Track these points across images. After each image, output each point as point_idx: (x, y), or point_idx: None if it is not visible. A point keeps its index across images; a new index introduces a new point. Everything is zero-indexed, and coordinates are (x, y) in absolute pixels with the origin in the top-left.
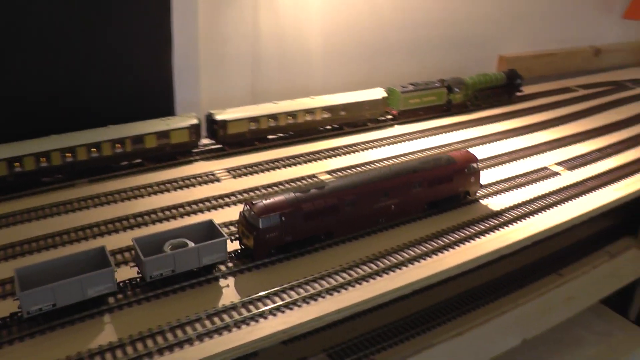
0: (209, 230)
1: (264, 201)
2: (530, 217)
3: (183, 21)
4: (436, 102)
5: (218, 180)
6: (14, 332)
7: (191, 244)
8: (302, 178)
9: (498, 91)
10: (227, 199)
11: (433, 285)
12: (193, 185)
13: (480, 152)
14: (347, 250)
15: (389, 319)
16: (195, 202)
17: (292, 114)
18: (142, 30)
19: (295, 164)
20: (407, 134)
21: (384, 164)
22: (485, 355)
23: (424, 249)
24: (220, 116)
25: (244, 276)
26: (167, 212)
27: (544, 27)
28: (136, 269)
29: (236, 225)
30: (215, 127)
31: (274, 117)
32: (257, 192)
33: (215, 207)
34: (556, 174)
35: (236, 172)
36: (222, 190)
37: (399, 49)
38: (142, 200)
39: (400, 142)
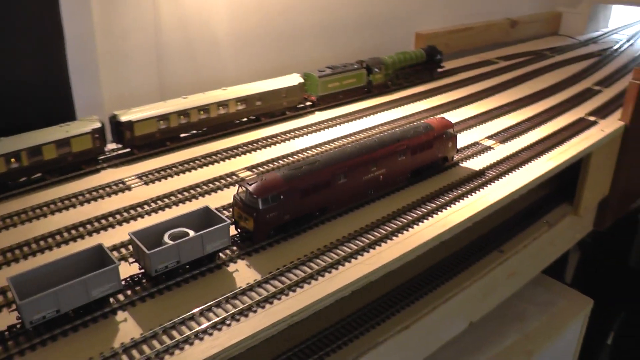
0: (206, 217)
1: (261, 181)
2: (469, 196)
3: (74, 11)
4: (356, 84)
5: (129, 188)
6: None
7: (192, 233)
8: (221, 177)
9: (419, 69)
10: (140, 209)
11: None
12: (102, 197)
13: None
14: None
15: (325, 324)
16: (105, 217)
17: (204, 109)
18: (24, 19)
19: (212, 163)
20: (329, 119)
21: (309, 154)
22: (433, 345)
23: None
24: (125, 117)
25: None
26: (74, 232)
27: (458, 1)
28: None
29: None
30: (121, 130)
31: (184, 113)
32: (173, 197)
33: (127, 220)
34: (489, 148)
35: (148, 178)
36: (134, 199)
37: (312, 32)
38: (45, 220)
39: (322, 129)
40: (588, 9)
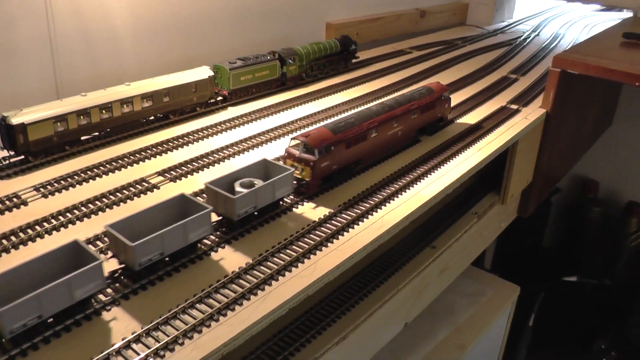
0: (265, 169)
1: (314, 134)
2: (402, 193)
3: None
4: (269, 76)
5: (25, 203)
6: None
7: (259, 182)
8: (131, 185)
9: (333, 59)
10: (39, 228)
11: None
12: None
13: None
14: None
15: (256, 343)
16: None
17: (106, 107)
18: None
19: (119, 168)
20: (244, 115)
21: (226, 154)
22: (371, 352)
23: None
24: (17, 119)
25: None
26: None
27: None
28: None
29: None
30: (12, 134)
31: (84, 112)
32: (77, 211)
33: (24, 242)
34: (416, 140)
35: (47, 189)
36: (31, 215)
37: (218, 21)
38: None
39: (237, 125)
40: (494, 0)
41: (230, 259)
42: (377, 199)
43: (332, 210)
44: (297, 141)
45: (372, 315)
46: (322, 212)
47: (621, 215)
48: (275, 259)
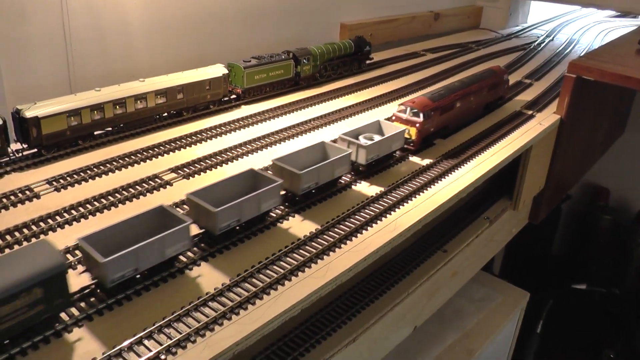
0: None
1: (418, 100)
2: (416, 196)
3: None
4: (283, 76)
5: (37, 196)
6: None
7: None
8: (143, 180)
9: (347, 60)
10: (51, 221)
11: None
12: (5, 207)
13: (344, 126)
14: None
15: (265, 343)
16: (10, 232)
17: (120, 103)
18: None
19: (131, 164)
20: (257, 114)
21: (239, 152)
22: (380, 355)
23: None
24: (31, 112)
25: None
26: None
27: None
28: None
29: None
30: (26, 127)
31: (98, 107)
32: (89, 206)
33: (36, 235)
34: (432, 143)
35: (59, 183)
36: (43, 209)
37: (233, 19)
38: None
39: (250, 124)
40: (508, 4)
41: (244, 257)
42: (390, 202)
43: (346, 212)
44: (404, 107)
45: (382, 318)
46: (335, 213)
47: (632, 224)
48: (288, 259)
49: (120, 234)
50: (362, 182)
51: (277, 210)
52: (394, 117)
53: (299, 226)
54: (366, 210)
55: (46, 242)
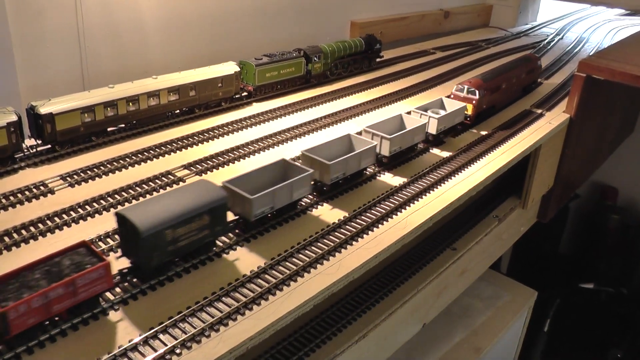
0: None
1: (473, 81)
2: (427, 193)
3: None
4: (294, 73)
5: (52, 191)
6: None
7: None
8: (156, 177)
9: (358, 58)
10: (65, 217)
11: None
12: (20, 202)
13: (355, 124)
14: None
15: (276, 338)
16: (25, 226)
17: (133, 99)
18: None
19: (144, 160)
20: (268, 111)
21: (251, 149)
22: (389, 351)
23: None
24: (45, 108)
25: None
26: None
27: None
28: None
29: None
30: (40, 123)
31: (111, 104)
32: (103, 201)
33: (51, 230)
34: (441, 142)
35: (73, 179)
36: (58, 204)
37: (244, 18)
38: None
39: (262, 122)
40: (518, 2)
41: (257, 253)
42: (401, 199)
43: (357, 209)
44: (461, 87)
45: (392, 315)
46: (347, 210)
47: None
48: (300, 255)
49: (251, 181)
50: (386, 173)
51: (306, 199)
52: (452, 96)
53: (328, 214)
54: (386, 204)
55: (207, 181)
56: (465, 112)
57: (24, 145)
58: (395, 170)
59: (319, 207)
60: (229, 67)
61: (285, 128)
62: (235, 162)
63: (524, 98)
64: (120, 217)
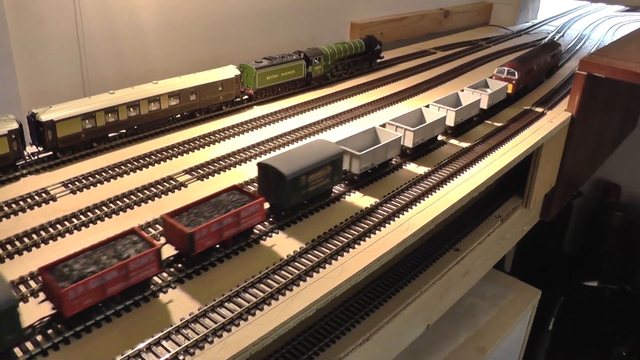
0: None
1: (511, 64)
2: (429, 195)
3: None
4: (295, 76)
5: (53, 199)
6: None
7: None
8: (158, 182)
9: (358, 59)
10: (67, 224)
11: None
12: (22, 209)
13: (356, 125)
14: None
15: (279, 342)
16: (28, 234)
17: (134, 105)
18: None
19: (146, 166)
20: (269, 114)
21: (252, 153)
22: (393, 353)
23: None
24: (46, 115)
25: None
26: None
27: None
28: None
29: None
30: (41, 130)
31: (112, 110)
32: (105, 208)
33: (53, 237)
34: (443, 142)
35: (75, 186)
36: (60, 211)
37: (244, 21)
38: None
39: (263, 125)
40: (518, 0)
41: (257, 260)
42: (403, 201)
43: (360, 213)
44: (502, 69)
45: (395, 317)
46: (349, 213)
47: None
48: (302, 259)
49: (353, 143)
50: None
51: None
52: (494, 77)
53: (330, 218)
54: (388, 206)
55: (325, 140)
56: (508, 90)
57: (25, 153)
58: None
59: (320, 210)
60: (230, 71)
61: (287, 131)
62: (237, 165)
63: (526, 96)
64: (263, 166)
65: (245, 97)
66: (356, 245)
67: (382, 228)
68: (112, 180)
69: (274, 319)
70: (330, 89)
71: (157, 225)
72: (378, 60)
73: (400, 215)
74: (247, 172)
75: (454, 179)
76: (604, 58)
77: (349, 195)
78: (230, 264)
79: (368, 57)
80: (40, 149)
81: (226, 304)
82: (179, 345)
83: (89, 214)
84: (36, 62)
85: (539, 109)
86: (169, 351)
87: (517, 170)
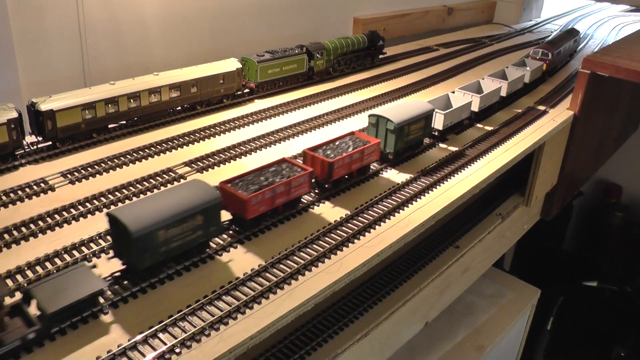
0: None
1: (545, 47)
2: (429, 192)
3: None
4: (297, 70)
5: (52, 189)
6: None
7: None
8: (157, 174)
9: (361, 55)
10: (66, 214)
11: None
12: (21, 199)
13: (358, 121)
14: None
15: (277, 337)
16: (25, 224)
17: (135, 96)
18: None
19: (145, 157)
20: (270, 108)
21: (253, 146)
22: (391, 350)
23: None
24: (46, 105)
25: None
26: None
27: None
28: None
29: None
30: (41, 120)
31: (112, 101)
32: (104, 199)
33: (51, 227)
34: (445, 139)
35: (74, 176)
36: (58, 201)
37: (246, 14)
38: None
39: (264, 118)
40: None
41: (256, 253)
42: (403, 197)
43: (359, 207)
44: (536, 50)
45: (394, 313)
46: (348, 208)
47: None
48: (302, 253)
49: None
50: (388, 170)
51: (307, 197)
52: (530, 57)
53: (328, 212)
54: (388, 201)
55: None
56: (543, 69)
57: (24, 142)
58: (398, 167)
59: (320, 205)
60: (231, 64)
61: (288, 125)
62: (237, 159)
63: (527, 94)
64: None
65: (247, 90)
66: (356, 240)
67: (382, 223)
68: (111, 171)
69: (272, 313)
70: (332, 83)
71: None
72: (380, 56)
73: (401, 211)
74: (248, 165)
75: (455, 175)
76: (608, 57)
77: (348, 191)
78: (229, 257)
79: (370, 52)
80: (40, 138)
81: (224, 297)
82: (176, 338)
83: (87, 204)
84: (37, 52)
85: (542, 107)
86: (165, 344)
87: (519, 168)
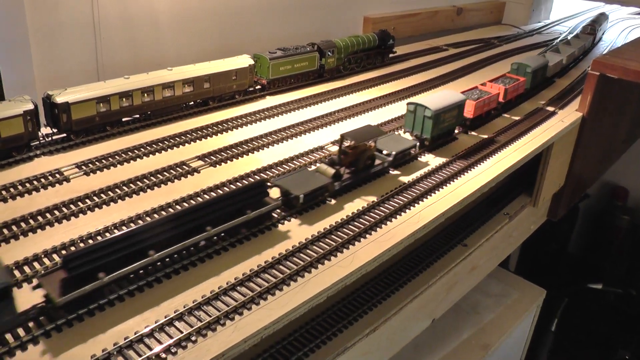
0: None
1: (589, 23)
2: (440, 189)
3: None
4: (308, 67)
5: (67, 179)
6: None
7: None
8: (171, 167)
9: (371, 53)
10: (81, 204)
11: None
12: (36, 189)
13: (368, 119)
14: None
15: (287, 330)
16: (41, 213)
17: (148, 90)
18: None
19: (159, 151)
20: (282, 105)
21: (264, 142)
22: (398, 346)
23: None
24: (61, 98)
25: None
26: (6, 231)
27: None
28: None
29: None
30: (56, 112)
31: (126, 95)
32: (118, 190)
33: (67, 217)
34: (454, 138)
35: (88, 168)
36: (73, 192)
37: (259, 11)
38: None
39: (275, 115)
40: (531, 0)
41: (271, 246)
42: (414, 194)
43: (371, 203)
44: (585, 26)
45: (402, 309)
46: (361, 203)
47: None
48: (314, 247)
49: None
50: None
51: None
52: (580, 32)
53: (342, 207)
54: (399, 198)
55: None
56: (592, 42)
57: (39, 134)
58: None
59: (332, 200)
60: (244, 60)
61: (299, 121)
62: (250, 153)
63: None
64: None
65: (258, 87)
66: (367, 235)
67: (393, 219)
68: (125, 163)
69: (285, 304)
70: (342, 81)
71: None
72: (390, 55)
73: (412, 207)
74: (261, 159)
75: (465, 173)
76: (617, 59)
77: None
78: (242, 250)
79: (381, 51)
80: (55, 130)
81: (238, 287)
82: (192, 327)
83: (102, 195)
84: (52, 46)
85: (550, 108)
86: (181, 332)
87: (527, 169)
